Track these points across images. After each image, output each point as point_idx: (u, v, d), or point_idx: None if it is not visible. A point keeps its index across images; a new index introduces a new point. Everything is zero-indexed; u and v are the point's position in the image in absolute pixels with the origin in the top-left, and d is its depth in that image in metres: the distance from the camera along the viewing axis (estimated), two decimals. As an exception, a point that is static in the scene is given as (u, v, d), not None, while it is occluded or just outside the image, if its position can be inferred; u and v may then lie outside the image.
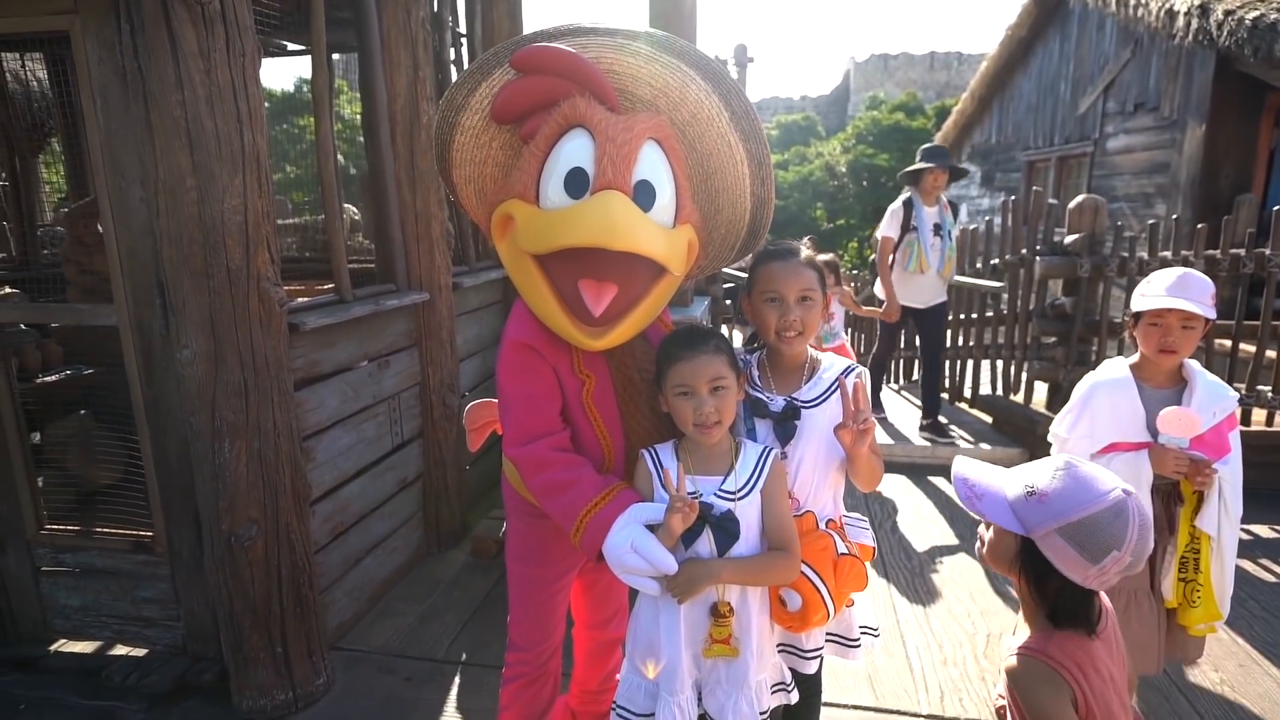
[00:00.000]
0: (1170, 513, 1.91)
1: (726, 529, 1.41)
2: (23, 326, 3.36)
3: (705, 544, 1.43)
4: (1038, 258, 4.11)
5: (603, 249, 1.27)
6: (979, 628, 2.68)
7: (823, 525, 1.57)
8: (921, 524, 3.55)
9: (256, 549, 2.16)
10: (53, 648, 2.48)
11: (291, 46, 4.15)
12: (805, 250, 1.57)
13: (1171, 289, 1.84)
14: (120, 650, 2.47)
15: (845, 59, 40.03)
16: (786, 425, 1.54)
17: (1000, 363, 4.78)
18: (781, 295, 1.52)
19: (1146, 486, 1.85)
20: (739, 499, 1.44)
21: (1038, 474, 1.19)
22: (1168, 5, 6.12)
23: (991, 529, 1.24)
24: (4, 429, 2.36)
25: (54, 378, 3.37)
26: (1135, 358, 1.96)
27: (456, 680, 2.42)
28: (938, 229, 4.25)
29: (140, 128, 1.92)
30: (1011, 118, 10.27)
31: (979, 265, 4.99)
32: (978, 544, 1.31)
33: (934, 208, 4.25)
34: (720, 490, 1.45)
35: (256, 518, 2.15)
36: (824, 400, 1.57)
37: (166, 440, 2.24)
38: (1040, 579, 1.16)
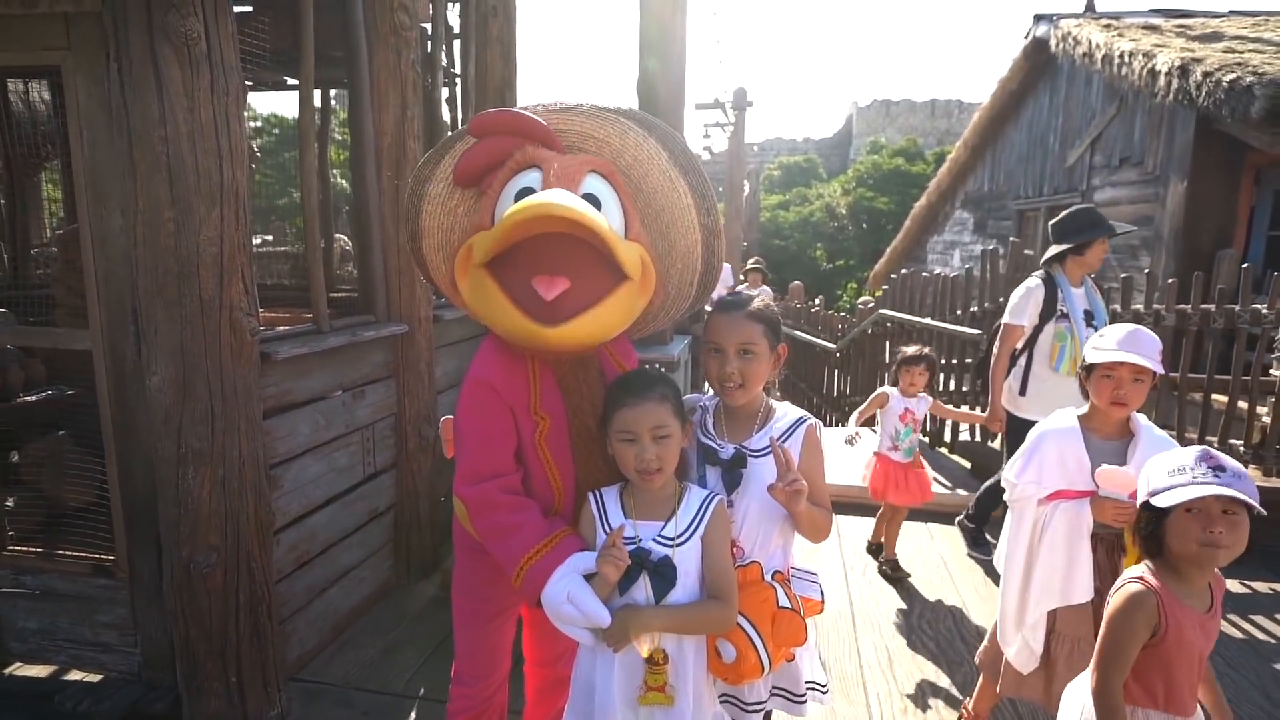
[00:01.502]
0: (1114, 562, 1.94)
1: (663, 575, 1.43)
2: (9, 347, 3.40)
3: (642, 590, 1.44)
4: (1014, 307, 4.16)
5: (553, 232, 1.33)
6: (942, 677, 2.66)
7: (768, 577, 1.57)
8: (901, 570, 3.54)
9: (215, 577, 2.17)
10: (7, 670, 2.47)
11: (290, 81, 4.26)
12: (755, 303, 1.60)
13: (1122, 343, 1.89)
14: (75, 675, 2.45)
15: (848, 103, 40.78)
16: (734, 473, 1.56)
17: (978, 409, 4.81)
18: (722, 347, 1.56)
19: (1087, 533, 1.89)
20: (678, 545, 1.46)
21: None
22: (1150, 65, 6.29)
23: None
24: (-25, 448, 2.38)
25: (34, 398, 3.39)
26: (1085, 409, 2.01)
27: (413, 715, 2.40)
28: (1090, 317, 3.25)
29: (123, 160, 1.98)
30: (1003, 167, 10.46)
31: (959, 312, 5.06)
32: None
33: (1080, 289, 3.30)
34: (660, 536, 1.46)
35: (217, 545, 2.16)
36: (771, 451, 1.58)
37: (133, 465, 2.26)
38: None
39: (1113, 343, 1.91)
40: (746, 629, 1.47)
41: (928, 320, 5.29)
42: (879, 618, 3.09)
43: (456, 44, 3.98)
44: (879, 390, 3.53)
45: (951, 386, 5.10)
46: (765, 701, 1.61)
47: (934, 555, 3.74)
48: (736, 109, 13.14)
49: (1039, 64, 9.26)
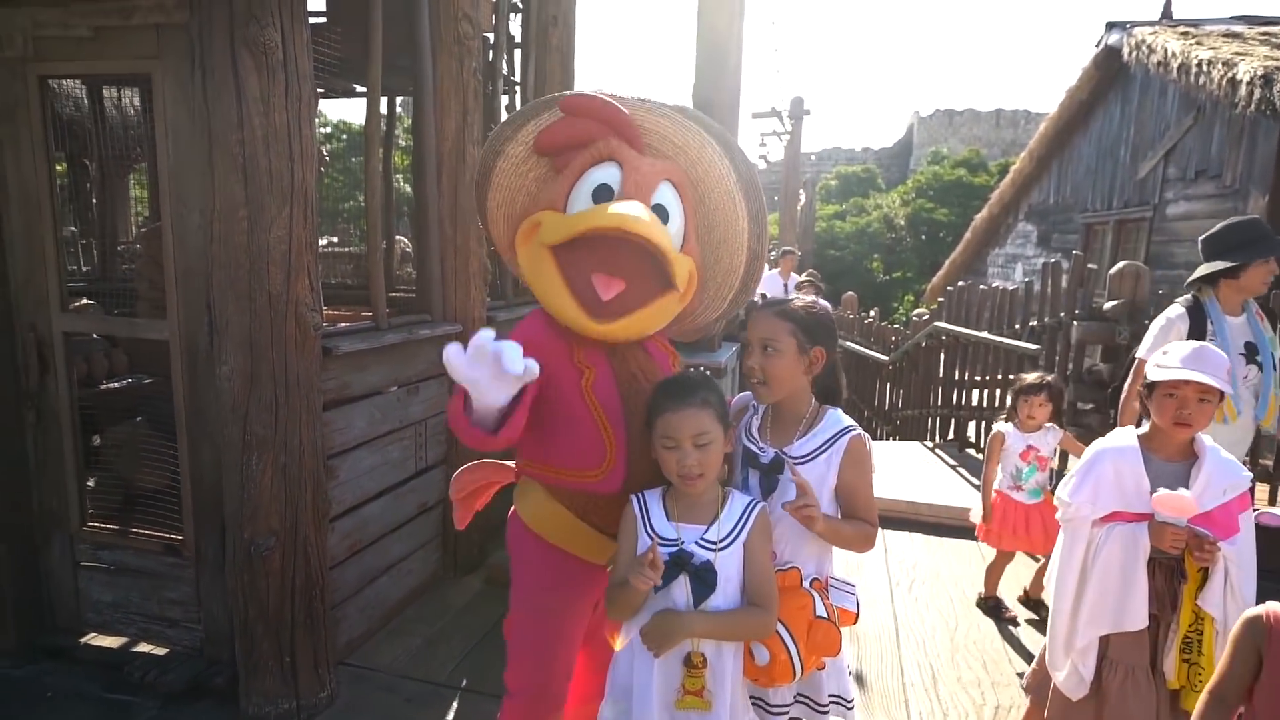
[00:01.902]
0: (1173, 589, 1.86)
1: (704, 579, 1.44)
2: (95, 337, 3.63)
3: (683, 593, 1.45)
4: (1075, 322, 4.04)
5: (619, 238, 1.43)
6: (988, 699, 2.59)
7: (806, 583, 1.57)
8: (941, 587, 3.47)
9: (274, 559, 2.27)
10: (83, 640, 2.62)
11: (359, 88, 4.44)
12: (794, 303, 1.62)
13: (1187, 361, 1.82)
14: (143, 648, 2.59)
15: (909, 113, 40.03)
16: (770, 478, 1.57)
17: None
18: (750, 341, 1.60)
19: (1144, 558, 1.82)
20: (720, 549, 1.47)
21: None
22: (1231, 74, 6.01)
23: None
24: (61, 430, 2.55)
25: (116, 385, 3.61)
26: (1145, 428, 1.94)
27: (454, 705, 2.46)
28: (1252, 351, 2.70)
29: (203, 161, 2.11)
30: (1070, 179, 10.12)
31: (1016, 327, 4.91)
32: None
33: (1240, 317, 2.73)
34: (702, 539, 1.47)
35: (276, 529, 2.26)
36: (813, 458, 1.56)
37: (202, 450, 2.39)
38: None
39: (1177, 360, 1.85)
40: (782, 634, 1.47)
41: (985, 334, 5.16)
42: (923, 635, 3.03)
43: (517, 52, 4.08)
44: (994, 430, 3.21)
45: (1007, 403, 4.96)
46: (789, 706, 1.61)
47: (983, 573, 3.63)
48: (793, 118, 13.06)
49: (1110, 73, 8.95)
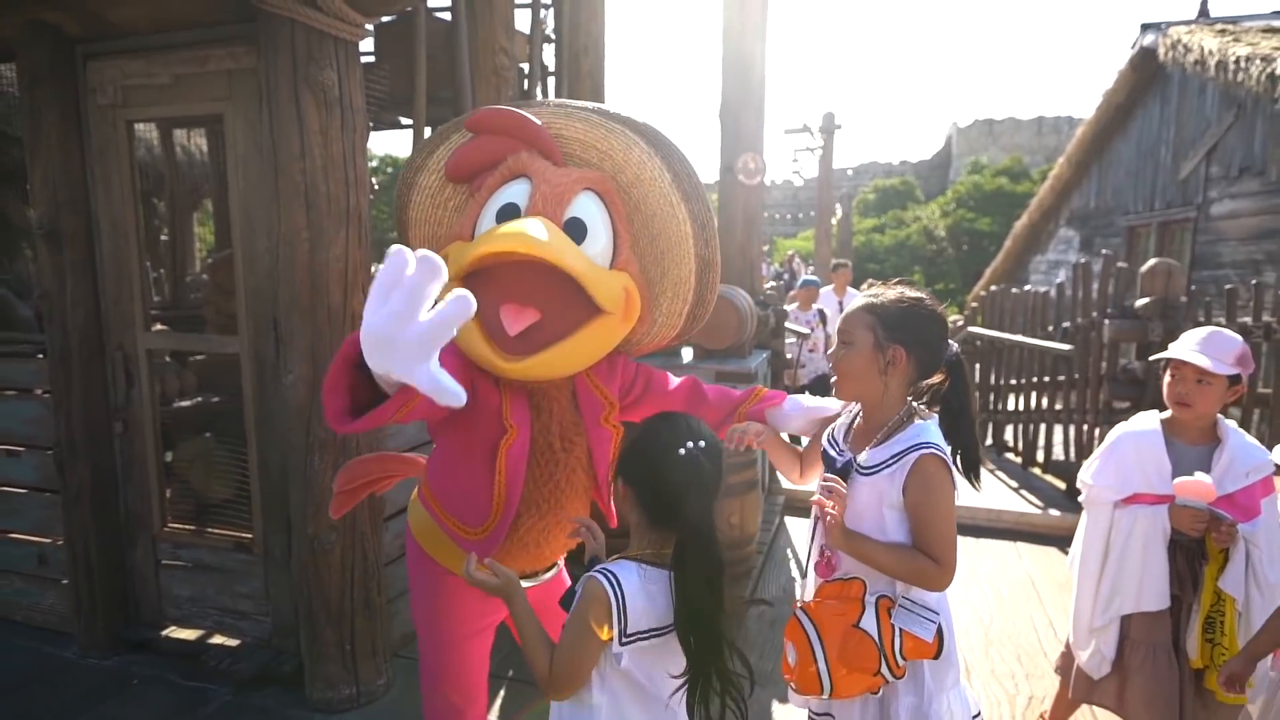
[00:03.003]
0: (1195, 570, 1.90)
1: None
2: (167, 359, 3.93)
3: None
4: (1107, 321, 4.04)
5: (521, 262, 1.27)
6: (1021, 689, 2.63)
7: (869, 598, 1.42)
8: (976, 585, 3.49)
9: (334, 553, 2.46)
10: (164, 632, 2.84)
11: (404, 120, 4.73)
12: (888, 294, 1.48)
13: (1195, 343, 1.89)
14: (218, 639, 2.80)
15: (947, 124, 39.61)
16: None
17: (1072, 428, 4.63)
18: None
19: (1165, 540, 1.86)
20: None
21: None
22: (1270, 69, 5.93)
23: None
24: (145, 440, 2.80)
25: (188, 404, 3.89)
26: (1168, 412, 1.98)
27: (501, 694, 2.60)
28: None
29: (269, 190, 2.34)
30: (1110, 182, 9.97)
31: (1050, 329, 4.91)
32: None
33: None
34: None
35: (336, 525, 2.45)
36: (879, 470, 1.42)
37: (269, 453, 2.61)
38: None
39: (1190, 342, 1.91)
40: (811, 638, 1.39)
41: (1019, 337, 5.16)
42: (957, 630, 3.06)
43: (551, 80, 4.31)
44: None
45: (1044, 405, 4.94)
46: None
47: (1020, 573, 3.64)
48: (825, 132, 13.15)
49: (1147, 74, 8.84)
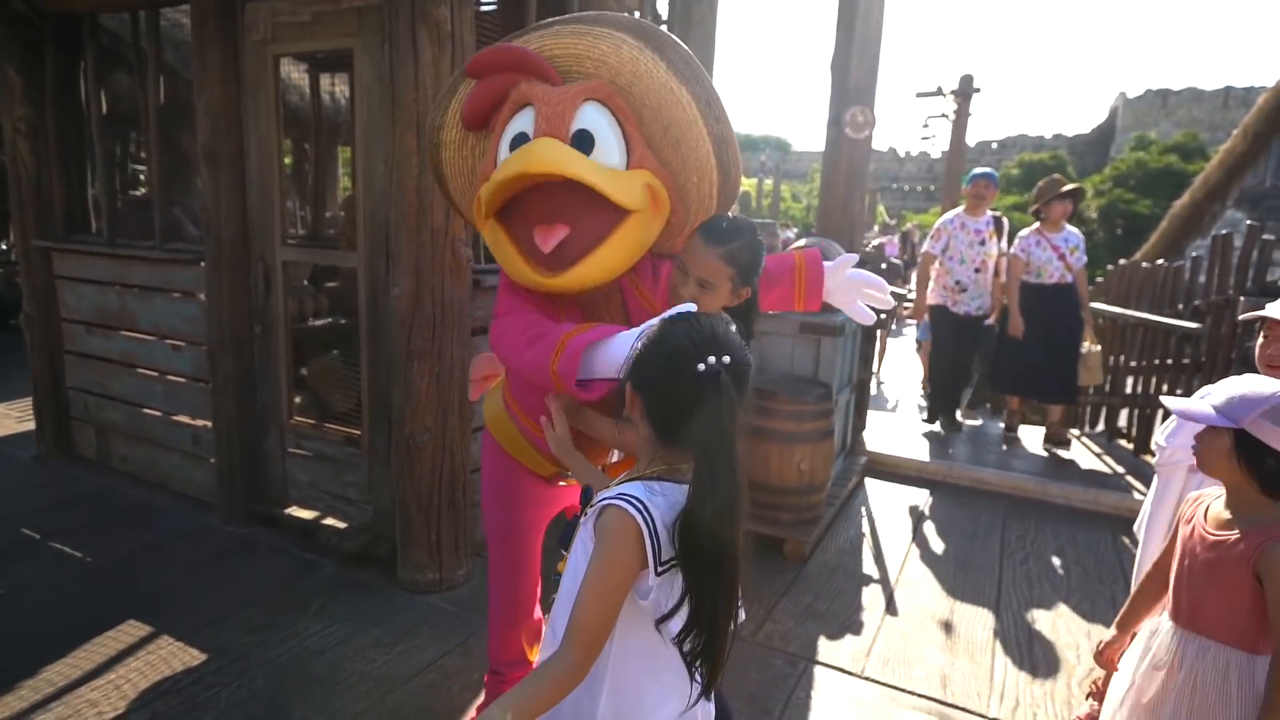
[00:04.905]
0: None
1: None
2: (305, 283, 4.41)
3: None
4: (1243, 298, 3.69)
5: (534, 181, 1.37)
6: (1084, 660, 2.56)
7: None
8: (1054, 566, 3.36)
9: (427, 451, 2.74)
10: (286, 511, 3.27)
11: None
12: (735, 240, 1.51)
13: None
14: (329, 521, 3.19)
15: (1113, 94, 36.03)
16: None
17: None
18: (686, 273, 1.54)
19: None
20: None
21: (1227, 387, 1.39)
22: None
23: (1203, 440, 1.43)
24: (279, 342, 3.19)
25: (320, 323, 4.36)
26: None
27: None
28: None
29: (387, 119, 2.59)
30: (1294, 158, 8.86)
31: (1179, 307, 4.51)
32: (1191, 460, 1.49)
33: None
34: None
35: (430, 426, 2.73)
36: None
37: (378, 360, 2.92)
38: (1259, 460, 1.34)
39: None
40: None
41: (1144, 315, 4.78)
42: (1026, 600, 3.00)
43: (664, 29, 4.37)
44: None
45: (1164, 390, 4.58)
46: None
47: (1112, 556, 3.47)
48: (961, 96, 12.34)
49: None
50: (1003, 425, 5.05)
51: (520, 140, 1.46)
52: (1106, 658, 1.69)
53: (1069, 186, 4.38)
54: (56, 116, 3.70)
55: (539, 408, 1.59)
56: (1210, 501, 1.48)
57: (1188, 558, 1.45)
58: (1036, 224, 4.46)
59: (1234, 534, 1.37)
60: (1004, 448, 4.75)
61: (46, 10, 3.54)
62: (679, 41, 1.51)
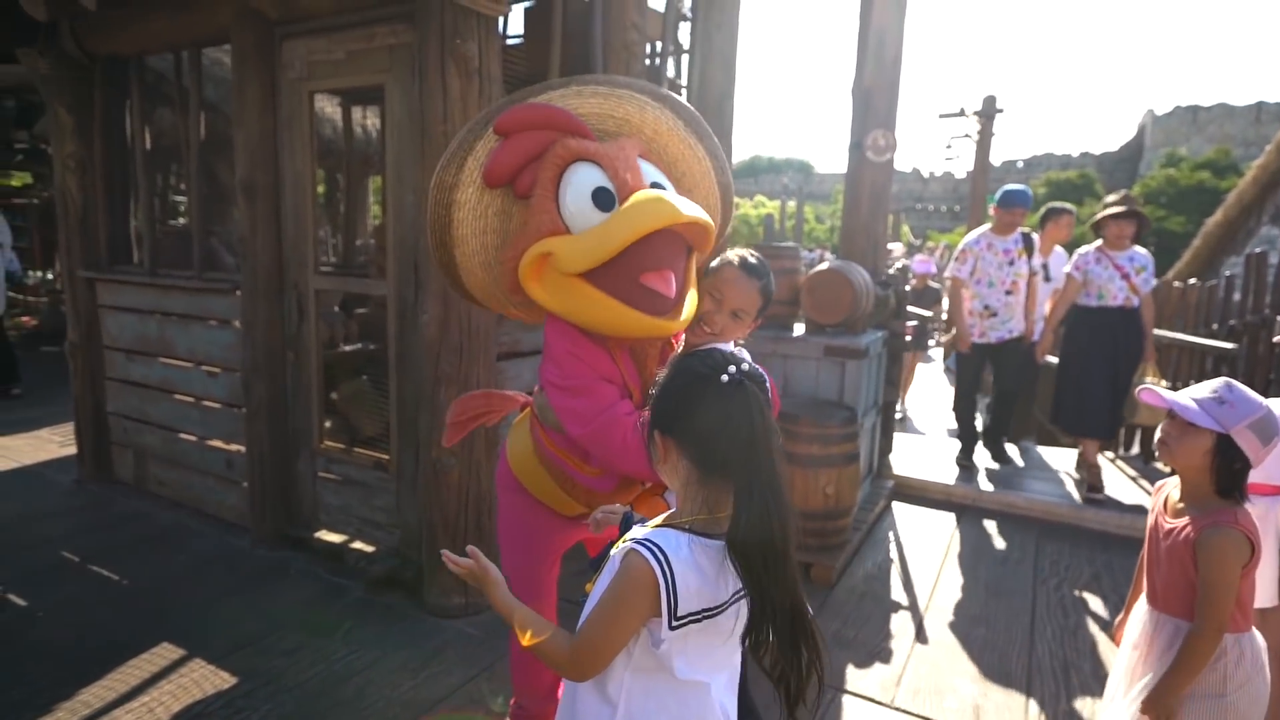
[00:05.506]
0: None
1: None
2: (336, 309, 4.51)
3: None
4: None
5: (662, 231, 1.39)
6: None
7: None
8: (1089, 592, 3.28)
9: (453, 476, 2.77)
10: (315, 534, 3.32)
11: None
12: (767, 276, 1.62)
13: None
14: (357, 545, 3.23)
15: (1140, 111, 35.66)
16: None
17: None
18: (721, 300, 1.62)
19: (1276, 535, 1.75)
20: None
21: (1214, 389, 1.52)
22: None
23: (1175, 430, 1.54)
24: (311, 368, 3.26)
25: (350, 349, 4.45)
26: None
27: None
28: None
29: (416, 151, 2.66)
30: (1331, 174, 8.67)
31: (1214, 326, 4.41)
32: (1158, 449, 1.61)
33: None
34: None
35: (456, 451, 2.76)
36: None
37: (405, 385, 2.97)
38: (1230, 463, 1.48)
39: None
40: None
41: (1179, 335, 4.68)
42: (1061, 627, 2.93)
43: (684, 58, 4.44)
44: None
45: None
46: None
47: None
48: (984, 117, 12.31)
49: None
50: (1075, 476, 4.49)
51: (601, 195, 1.46)
52: (1116, 638, 1.81)
53: (1122, 209, 3.96)
54: (103, 152, 3.86)
55: (572, 483, 1.66)
56: (1169, 490, 1.62)
57: (1153, 544, 1.61)
58: (1099, 241, 4.10)
59: (1184, 520, 1.52)
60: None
61: (96, 52, 3.70)
62: (686, 103, 1.69)
